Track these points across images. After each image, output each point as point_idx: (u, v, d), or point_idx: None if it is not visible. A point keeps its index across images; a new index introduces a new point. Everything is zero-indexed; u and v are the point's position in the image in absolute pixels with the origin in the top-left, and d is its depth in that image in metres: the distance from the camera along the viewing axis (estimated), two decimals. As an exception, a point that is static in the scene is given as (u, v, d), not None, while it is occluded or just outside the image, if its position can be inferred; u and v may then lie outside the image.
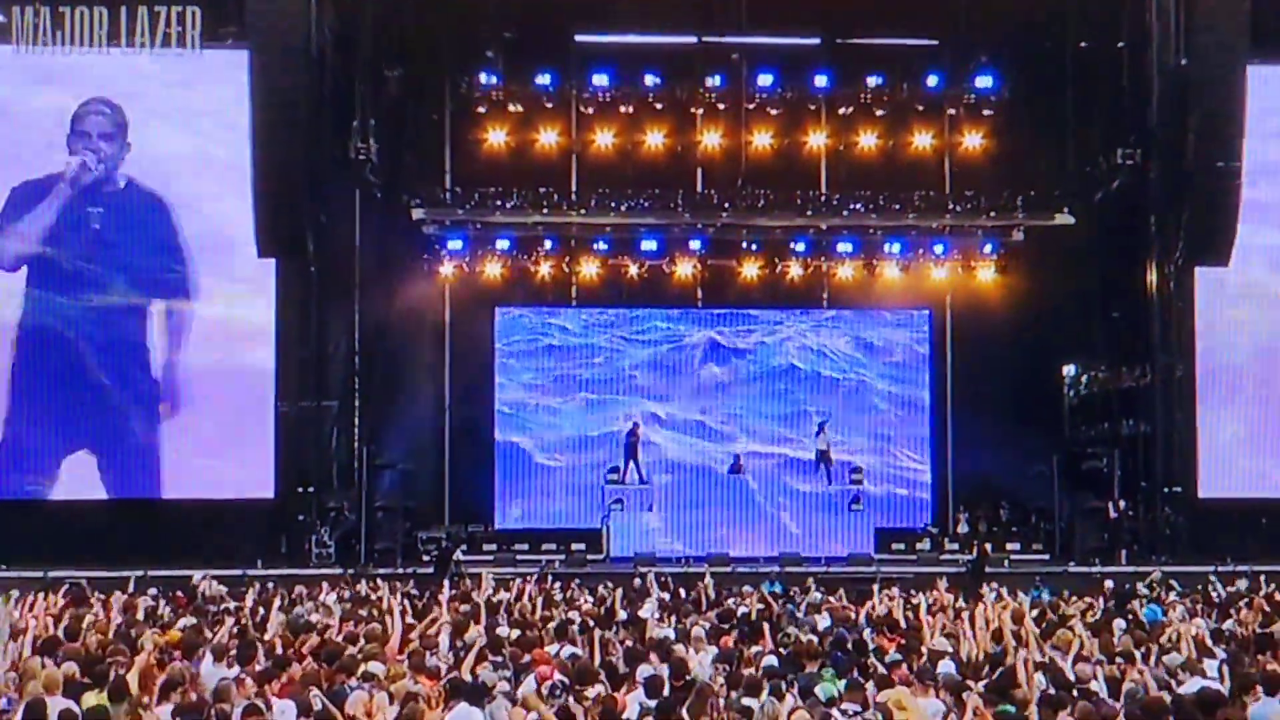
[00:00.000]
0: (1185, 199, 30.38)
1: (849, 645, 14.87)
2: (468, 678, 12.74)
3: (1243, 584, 24.70)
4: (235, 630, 16.23)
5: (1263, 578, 24.65)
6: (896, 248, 33.20)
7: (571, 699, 11.73)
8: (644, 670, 12.97)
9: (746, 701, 11.68)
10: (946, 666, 13.48)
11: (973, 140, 33.69)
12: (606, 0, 31.79)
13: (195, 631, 15.90)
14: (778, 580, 25.48)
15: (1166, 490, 31.00)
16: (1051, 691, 11.87)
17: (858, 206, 32.74)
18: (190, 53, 28.97)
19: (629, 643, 15.37)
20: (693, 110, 33.22)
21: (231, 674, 12.88)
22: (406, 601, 19.91)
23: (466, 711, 11.62)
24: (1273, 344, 31.33)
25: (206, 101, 29.76)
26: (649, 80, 32.69)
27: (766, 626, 16.52)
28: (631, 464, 32.51)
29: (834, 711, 11.47)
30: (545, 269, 33.39)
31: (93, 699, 11.60)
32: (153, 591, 22.05)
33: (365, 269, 32.20)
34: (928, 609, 18.32)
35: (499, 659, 13.91)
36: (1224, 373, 31.26)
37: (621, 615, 18.07)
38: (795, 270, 33.70)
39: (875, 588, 22.30)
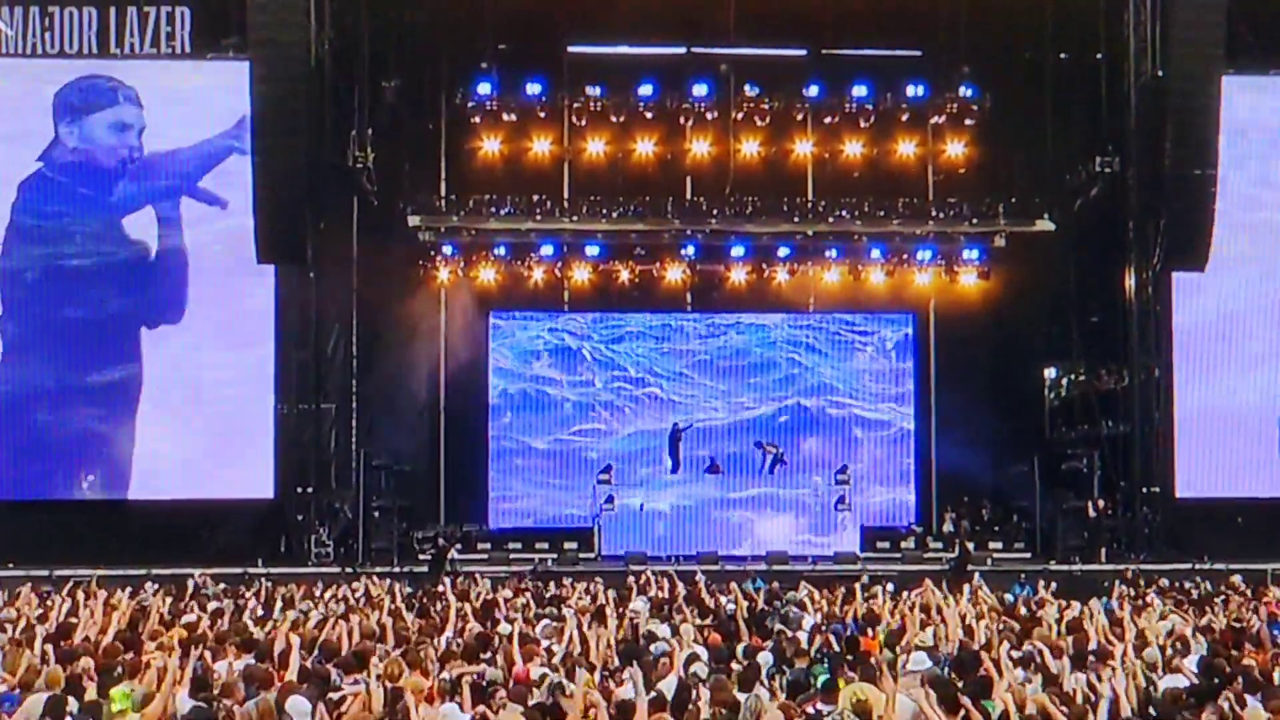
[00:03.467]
0: (1162, 205, 30.73)
1: (838, 643, 15.10)
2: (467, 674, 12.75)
3: (1213, 583, 25.21)
4: (237, 627, 16.52)
5: (1237, 576, 25.05)
6: (880, 253, 33.57)
7: (564, 694, 11.72)
8: (630, 668, 12.94)
9: (733, 697, 11.78)
10: (918, 660, 13.67)
11: (955, 148, 33.87)
12: (598, 13, 32.07)
13: (197, 628, 16.19)
14: (761, 579, 25.52)
15: (1145, 490, 31.43)
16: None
17: (843, 213, 32.96)
18: (198, 62, 29.79)
19: (620, 639, 15.57)
20: (682, 120, 33.27)
21: (230, 668, 13.08)
22: (403, 599, 20.48)
23: (455, 709, 11.72)
24: (1247, 345, 31.89)
25: (209, 109, 30.38)
26: (640, 90, 32.87)
27: (754, 625, 16.75)
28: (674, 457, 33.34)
29: (809, 709, 11.59)
30: (538, 274, 33.59)
31: (113, 695, 11.64)
32: (152, 588, 22.11)
33: (362, 274, 32.54)
34: (911, 606, 18.40)
35: (490, 656, 14.02)
36: (1200, 374, 31.78)
37: (613, 612, 18.10)
38: (782, 275, 33.94)
39: (859, 586, 22.75)
